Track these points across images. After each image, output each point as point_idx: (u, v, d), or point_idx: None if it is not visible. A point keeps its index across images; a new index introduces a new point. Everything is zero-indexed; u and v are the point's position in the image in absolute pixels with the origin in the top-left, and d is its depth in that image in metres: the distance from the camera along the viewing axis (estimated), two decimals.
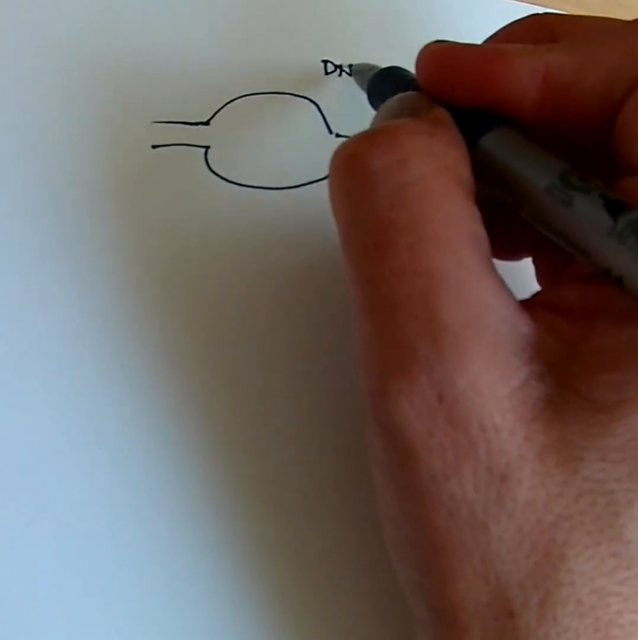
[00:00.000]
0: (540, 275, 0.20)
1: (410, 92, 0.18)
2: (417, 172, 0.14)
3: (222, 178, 0.23)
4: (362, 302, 0.15)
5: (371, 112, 0.25)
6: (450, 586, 0.13)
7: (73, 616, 0.18)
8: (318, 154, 0.24)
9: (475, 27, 0.28)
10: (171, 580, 0.19)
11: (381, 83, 0.22)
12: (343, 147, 0.16)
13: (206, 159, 0.24)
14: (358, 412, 0.20)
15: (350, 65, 0.25)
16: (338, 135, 0.25)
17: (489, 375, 0.13)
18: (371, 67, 0.23)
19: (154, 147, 0.24)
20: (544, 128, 0.17)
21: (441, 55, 0.17)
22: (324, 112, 0.25)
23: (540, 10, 0.29)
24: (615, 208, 0.14)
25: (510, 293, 0.15)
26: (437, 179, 0.14)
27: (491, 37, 0.21)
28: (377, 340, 0.14)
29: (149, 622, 0.18)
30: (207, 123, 0.24)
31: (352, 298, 0.15)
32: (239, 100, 0.25)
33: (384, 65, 0.23)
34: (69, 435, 0.19)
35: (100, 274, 0.21)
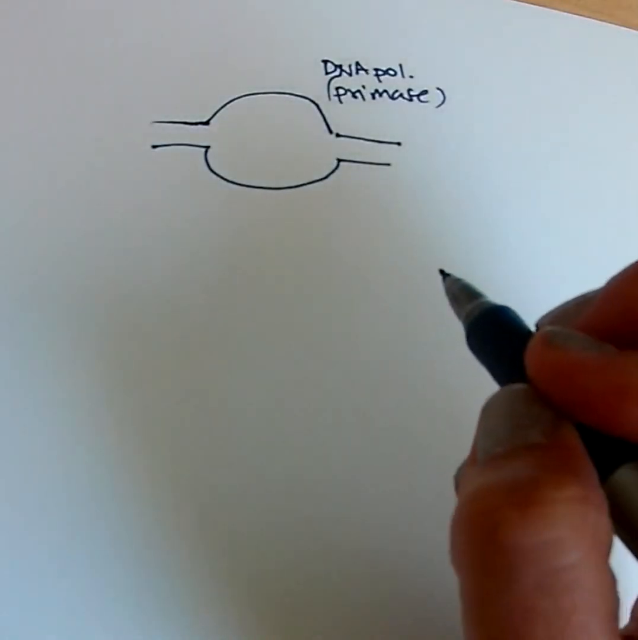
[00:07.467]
0: None
1: (522, 389, 0.15)
2: (572, 556, 0.13)
3: (222, 178, 0.23)
4: None
5: (373, 113, 0.25)
6: None
7: (72, 614, 0.18)
8: (318, 154, 0.24)
9: (475, 27, 0.28)
10: (168, 578, 0.19)
11: (487, 326, 0.17)
12: (479, 503, 0.13)
13: (206, 159, 0.24)
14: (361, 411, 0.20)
15: (441, 271, 0.19)
16: (338, 135, 0.25)
17: None
18: (469, 293, 0.18)
19: (154, 147, 0.24)
20: None
21: (559, 369, 0.14)
22: (324, 112, 0.25)
23: (540, 10, 0.29)
24: None
25: None
26: (589, 562, 0.13)
27: (603, 288, 0.15)
28: None
29: (147, 620, 0.18)
30: (207, 123, 0.24)
31: None
32: (239, 100, 0.25)
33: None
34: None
35: (99, 272, 0.21)
